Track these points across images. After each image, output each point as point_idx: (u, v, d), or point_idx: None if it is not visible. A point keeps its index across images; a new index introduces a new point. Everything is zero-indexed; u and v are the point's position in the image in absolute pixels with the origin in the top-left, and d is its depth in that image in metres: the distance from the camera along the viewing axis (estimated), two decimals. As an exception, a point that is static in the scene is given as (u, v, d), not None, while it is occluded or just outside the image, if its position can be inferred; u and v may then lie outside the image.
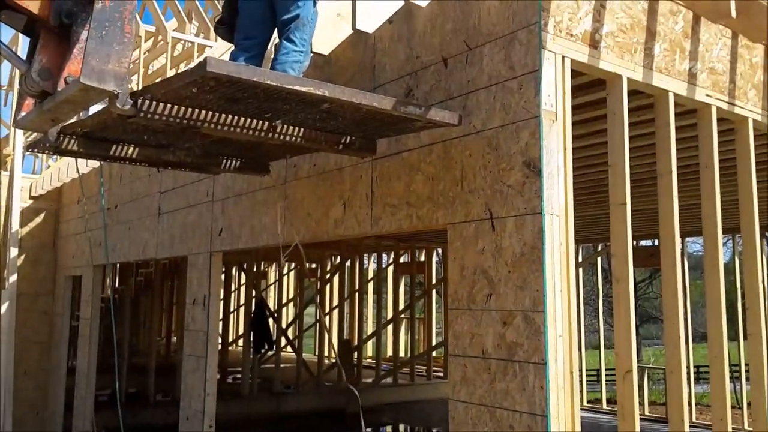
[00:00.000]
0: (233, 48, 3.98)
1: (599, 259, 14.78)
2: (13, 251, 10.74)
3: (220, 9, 4.04)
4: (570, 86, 3.49)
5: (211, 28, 10.62)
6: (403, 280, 16.09)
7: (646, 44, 3.98)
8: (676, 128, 4.18)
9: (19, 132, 10.55)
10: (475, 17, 3.71)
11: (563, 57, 3.46)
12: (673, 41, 4.17)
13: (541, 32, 3.33)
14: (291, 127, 3.59)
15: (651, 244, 14.23)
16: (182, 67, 11.21)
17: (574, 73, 3.68)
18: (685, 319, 12.71)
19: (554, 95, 3.38)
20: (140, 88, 10.45)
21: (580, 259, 15.15)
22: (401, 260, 15.10)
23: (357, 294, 14.99)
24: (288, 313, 17.51)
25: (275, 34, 3.91)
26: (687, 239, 13.59)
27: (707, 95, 4.38)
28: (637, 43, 3.92)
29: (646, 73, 3.95)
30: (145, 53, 11.01)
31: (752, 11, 4.34)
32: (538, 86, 3.32)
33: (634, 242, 13.70)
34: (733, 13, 3.94)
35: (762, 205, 5.00)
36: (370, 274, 17.07)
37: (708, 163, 4.40)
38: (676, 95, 4.15)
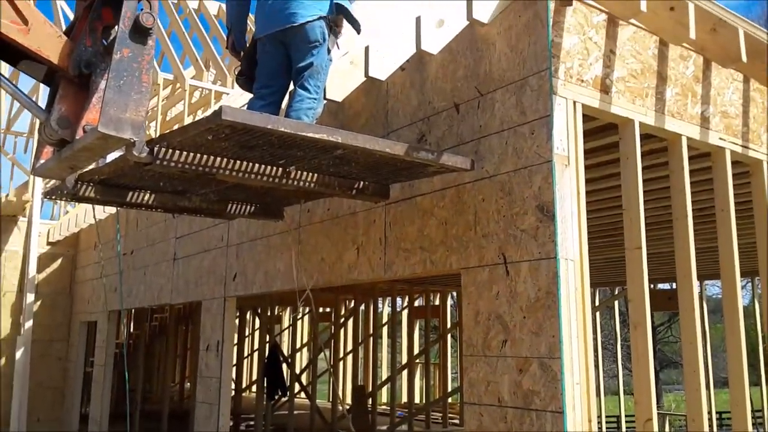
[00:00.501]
0: (251, 96, 4.05)
1: (617, 302, 14.59)
2: (30, 297, 10.81)
3: (239, 60, 4.14)
4: (582, 131, 3.51)
5: (228, 76, 10.83)
6: (417, 324, 15.95)
7: (658, 89, 4.00)
8: (691, 171, 4.18)
9: (38, 179, 10.71)
10: (486, 64, 3.76)
11: (574, 102, 3.48)
12: (684, 85, 4.19)
13: (551, 78, 3.37)
14: (305, 173, 3.63)
15: (669, 287, 14.05)
16: (199, 114, 11.39)
17: (586, 118, 3.70)
18: (706, 364, 12.46)
19: (566, 140, 3.39)
20: (158, 134, 10.63)
21: (597, 303, 14.98)
22: (416, 304, 14.99)
23: (371, 338, 14.86)
24: (302, 358, 17.36)
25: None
26: (706, 282, 13.42)
27: (721, 138, 4.38)
28: (648, 87, 3.94)
29: (658, 117, 3.96)
30: (163, 100, 11.22)
31: (763, 55, 4.36)
32: (550, 131, 3.34)
33: (652, 285, 13.55)
34: (744, 58, 3.96)
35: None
36: (385, 318, 16.94)
37: (724, 207, 4.37)
38: (689, 139, 4.15)
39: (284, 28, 3.69)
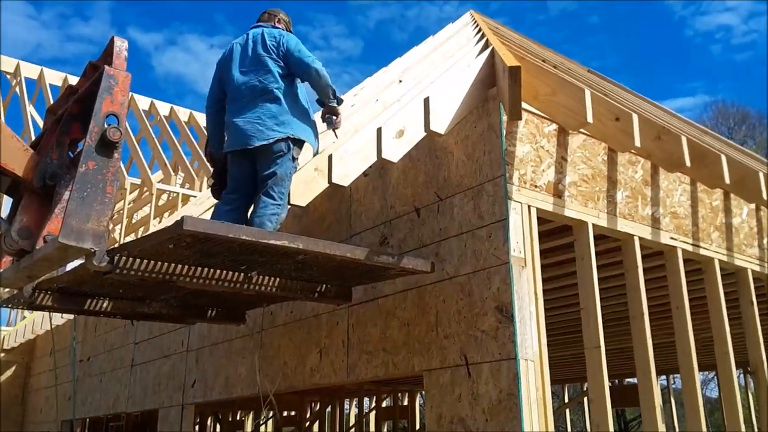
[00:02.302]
0: (217, 203, 4.12)
1: (586, 398, 14.46)
2: (-21, 407, 10.32)
3: (214, 168, 4.26)
4: (537, 233, 3.62)
5: (196, 179, 10.95)
6: (385, 426, 15.52)
7: (609, 192, 4.18)
8: (647, 269, 4.30)
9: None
10: (444, 170, 3.91)
11: (529, 206, 3.62)
12: (634, 189, 4.38)
13: (506, 184, 3.51)
14: (267, 278, 3.64)
15: (637, 382, 14.01)
16: (166, 216, 11.41)
17: (542, 220, 3.83)
18: (678, 462, 12.28)
19: (522, 242, 3.50)
20: (123, 237, 10.58)
21: (566, 399, 14.83)
22: (384, 404, 14.64)
23: (338, 443, 14.37)
24: (266, 466, 16.62)
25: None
26: (674, 375, 13.43)
27: (672, 238, 4.55)
28: (600, 191, 4.12)
29: (610, 219, 4.12)
30: (129, 204, 11.25)
31: (707, 159, 4.62)
32: (507, 234, 3.44)
33: (616, 381, 13.50)
34: (688, 163, 4.18)
35: (738, 340, 5.04)
36: (352, 420, 16.47)
37: (679, 304, 4.48)
38: (641, 239, 4.30)
39: (246, 147, 3.87)
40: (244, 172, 3.95)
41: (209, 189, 4.29)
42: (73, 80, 11.75)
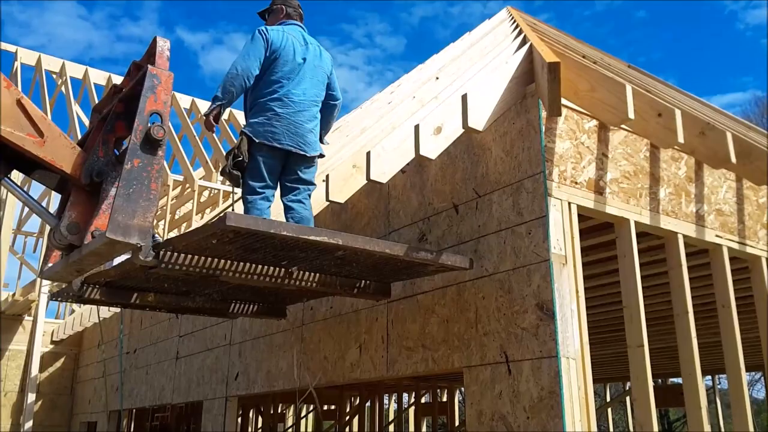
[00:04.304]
0: (254, 196, 4.08)
1: (629, 397, 14.24)
2: (31, 397, 10.66)
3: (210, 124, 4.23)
4: (578, 230, 3.59)
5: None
6: (425, 422, 15.54)
7: (651, 189, 4.11)
8: (691, 267, 4.22)
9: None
10: (483, 167, 3.90)
11: (569, 203, 3.58)
12: (677, 185, 4.30)
13: (546, 181, 3.48)
14: (307, 273, 3.69)
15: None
16: (208, 212, 11.61)
17: (583, 217, 3.79)
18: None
19: (563, 239, 3.47)
20: (167, 233, 10.79)
21: (609, 398, 14.62)
22: (423, 400, 14.66)
23: (377, 438, 14.43)
24: (306, 459, 16.80)
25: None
26: (719, 376, 13.14)
27: (717, 236, 4.45)
28: (642, 188, 4.05)
29: (653, 216, 4.05)
30: (173, 200, 11.46)
31: (752, 155, 4.50)
32: (547, 231, 3.42)
33: (662, 380, 13.26)
34: (733, 159, 4.09)
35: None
36: (391, 415, 16.53)
37: (725, 302, 4.39)
38: (685, 236, 4.22)
39: (305, 153, 4.03)
40: (278, 169, 4.02)
41: (231, 165, 3.95)
42: (117, 79, 12.03)
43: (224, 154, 11.66)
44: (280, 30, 4.16)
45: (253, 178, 3.94)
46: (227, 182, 5.26)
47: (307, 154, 4.04)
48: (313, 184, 4.13)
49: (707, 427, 3.83)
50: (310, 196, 4.09)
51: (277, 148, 3.95)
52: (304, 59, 4.16)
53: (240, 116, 14.02)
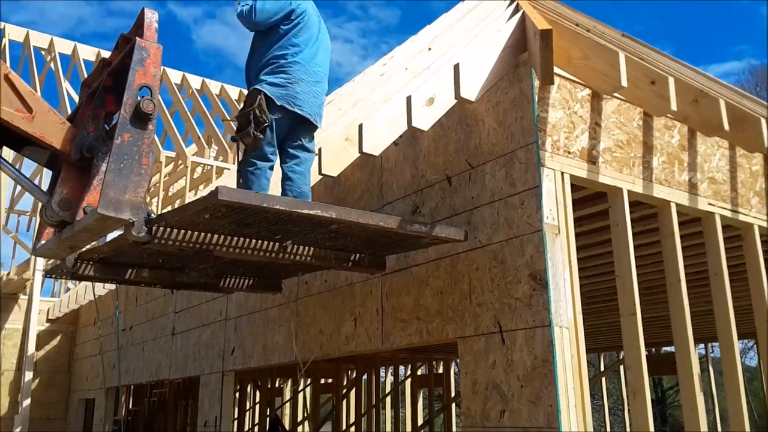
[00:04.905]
0: (262, 163, 3.88)
1: (623, 366, 14.40)
2: (28, 375, 10.70)
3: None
4: (571, 200, 3.59)
5: (229, 152, 11.04)
6: (421, 393, 15.69)
7: (644, 158, 4.11)
8: (684, 235, 4.23)
9: (39, 258, 10.79)
10: (475, 138, 3.88)
11: (562, 173, 3.58)
12: (670, 154, 4.30)
13: (539, 151, 3.47)
14: (301, 247, 3.69)
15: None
16: (201, 189, 11.57)
17: (576, 187, 3.79)
18: (715, 428, 12.19)
19: (556, 209, 3.47)
20: (160, 210, 10.76)
21: (602, 368, 14.78)
22: (419, 372, 14.78)
23: (374, 410, 14.59)
24: (305, 431, 16.98)
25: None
26: (713, 344, 13.27)
27: (710, 204, 4.47)
28: (635, 157, 4.05)
29: (646, 185, 4.06)
30: (165, 177, 11.40)
31: (746, 123, 4.50)
32: (540, 201, 3.42)
33: (655, 350, 13.40)
34: (726, 126, 4.08)
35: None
36: (388, 388, 16.68)
37: (717, 270, 4.41)
38: (678, 205, 4.23)
39: (315, 123, 4.00)
40: (283, 135, 3.92)
41: (255, 128, 3.70)
42: (106, 55, 11.88)
43: (215, 129, 11.58)
44: None
45: (267, 143, 3.77)
46: (232, 148, 5.10)
47: (318, 125, 4.01)
48: (314, 153, 4.10)
49: (699, 395, 3.87)
50: (309, 168, 4.03)
51: (293, 113, 3.83)
52: (320, 31, 4.12)
53: (231, 91, 13.90)
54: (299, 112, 3.84)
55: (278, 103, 3.77)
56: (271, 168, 3.87)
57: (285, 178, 3.93)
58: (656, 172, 4.15)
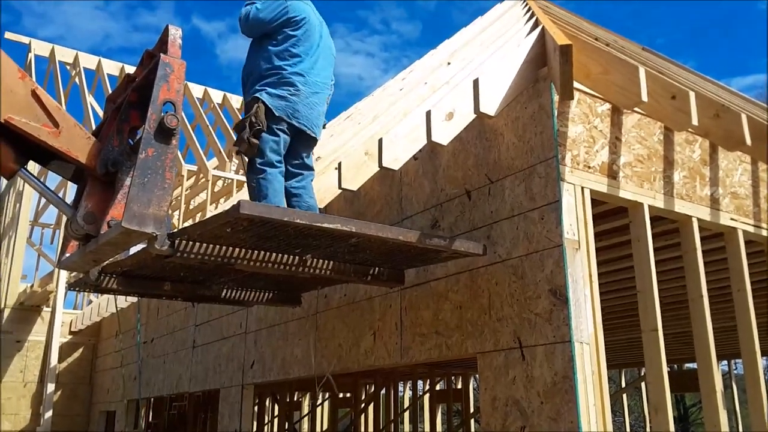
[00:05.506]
0: (277, 170, 3.95)
1: (644, 383, 14.21)
2: (50, 387, 10.81)
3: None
4: (591, 215, 3.58)
5: (232, 162, 11.13)
6: (439, 408, 15.60)
7: (665, 172, 4.09)
8: (706, 251, 4.19)
9: (63, 270, 10.92)
10: (495, 153, 3.89)
11: (582, 188, 3.57)
12: (692, 169, 4.27)
13: (558, 165, 3.47)
14: (321, 261, 3.71)
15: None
16: (222, 202, 11.67)
17: (596, 202, 3.77)
18: (741, 449, 11.97)
19: (576, 224, 3.46)
20: (181, 222, 10.87)
21: (624, 384, 14.60)
22: (437, 387, 14.70)
23: (393, 425, 14.52)
24: (323, 446, 16.92)
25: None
26: (735, 360, 13.06)
27: (732, 219, 4.42)
28: (656, 171, 4.03)
29: (667, 200, 4.03)
30: (187, 190, 11.53)
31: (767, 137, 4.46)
32: (559, 216, 3.41)
33: (677, 366, 13.22)
34: (748, 141, 4.05)
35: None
36: (406, 403, 16.61)
37: (740, 286, 4.36)
38: (700, 220, 4.20)
39: (314, 135, 4.06)
40: (287, 147, 3.97)
41: (250, 133, 3.74)
42: (130, 69, 12.07)
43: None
44: (302, 2, 4.11)
45: (272, 150, 3.83)
46: (234, 154, 5.18)
47: (316, 138, 4.03)
48: (314, 169, 4.14)
49: (723, 412, 3.82)
50: (311, 182, 4.09)
51: (293, 126, 3.89)
52: (321, 37, 4.13)
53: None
54: (296, 124, 3.90)
55: (277, 114, 3.83)
56: (282, 173, 3.91)
57: (290, 195, 3.98)
58: (677, 187, 4.13)
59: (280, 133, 3.86)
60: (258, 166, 3.82)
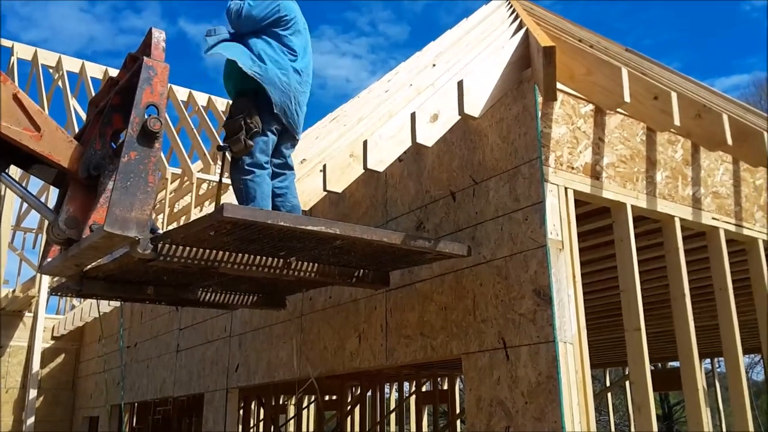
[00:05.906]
0: (262, 171, 3.90)
1: (628, 382, 14.29)
2: (32, 392, 10.68)
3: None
4: (575, 215, 3.60)
5: (212, 164, 11.09)
6: (426, 410, 15.60)
7: (648, 172, 4.12)
8: (688, 250, 4.23)
9: (45, 275, 10.80)
10: (479, 154, 3.90)
11: (566, 188, 3.59)
12: (674, 169, 4.31)
13: (542, 166, 3.49)
14: (305, 263, 3.70)
15: (680, 366, 13.75)
16: (206, 205, 11.61)
17: (579, 203, 3.80)
18: (723, 446, 12.08)
19: (559, 224, 3.48)
20: (166, 226, 10.80)
21: (608, 383, 14.69)
22: (423, 389, 14.71)
23: (379, 427, 14.50)
24: (309, 450, 16.87)
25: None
26: (718, 359, 13.18)
27: (714, 218, 4.47)
28: (639, 171, 4.06)
29: (650, 200, 4.07)
30: (171, 193, 11.45)
31: (749, 138, 4.51)
32: (543, 217, 3.43)
33: (661, 365, 13.32)
34: (729, 141, 4.09)
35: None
36: (392, 404, 16.61)
37: (722, 285, 4.41)
38: (682, 220, 4.23)
39: (297, 134, 4.07)
40: (274, 145, 3.98)
41: (247, 135, 3.70)
42: (113, 73, 11.98)
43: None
44: (292, 2, 4.10)
45: (261, 151, 3.80)
46: (217, 150, 5.13)
47: (298, 138, 4.05)
48: (294, 170, 4.15)
49: (705, 410, 3.86)
50: (294, 181, 4.10)
51: (282, 124, 3.88)
52: (307, 41, 4.15)
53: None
54: (285, 121, 3.89)
55: (275, 111, 3.81)
56: (269, 175, 3.88)
57: (274, 195, 3.96)
58: (660, 187, 4.16)
59: (270, 134, 3.86)
60: (246, 167, 3.78)
